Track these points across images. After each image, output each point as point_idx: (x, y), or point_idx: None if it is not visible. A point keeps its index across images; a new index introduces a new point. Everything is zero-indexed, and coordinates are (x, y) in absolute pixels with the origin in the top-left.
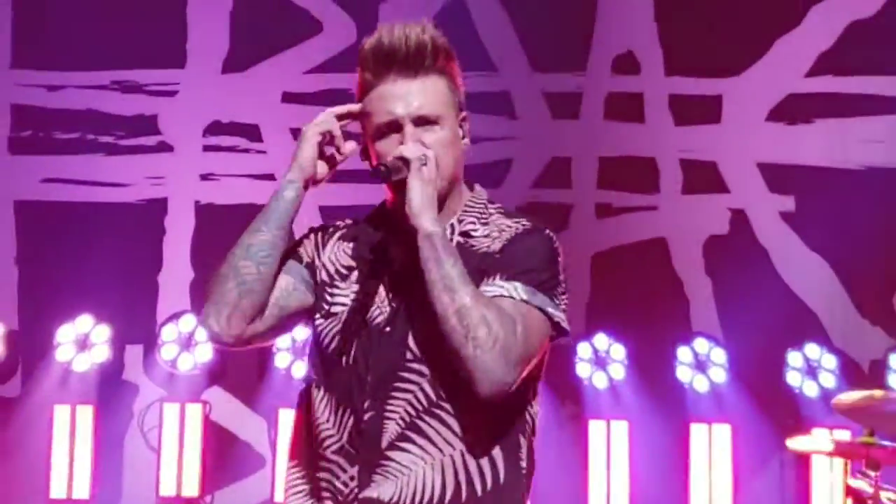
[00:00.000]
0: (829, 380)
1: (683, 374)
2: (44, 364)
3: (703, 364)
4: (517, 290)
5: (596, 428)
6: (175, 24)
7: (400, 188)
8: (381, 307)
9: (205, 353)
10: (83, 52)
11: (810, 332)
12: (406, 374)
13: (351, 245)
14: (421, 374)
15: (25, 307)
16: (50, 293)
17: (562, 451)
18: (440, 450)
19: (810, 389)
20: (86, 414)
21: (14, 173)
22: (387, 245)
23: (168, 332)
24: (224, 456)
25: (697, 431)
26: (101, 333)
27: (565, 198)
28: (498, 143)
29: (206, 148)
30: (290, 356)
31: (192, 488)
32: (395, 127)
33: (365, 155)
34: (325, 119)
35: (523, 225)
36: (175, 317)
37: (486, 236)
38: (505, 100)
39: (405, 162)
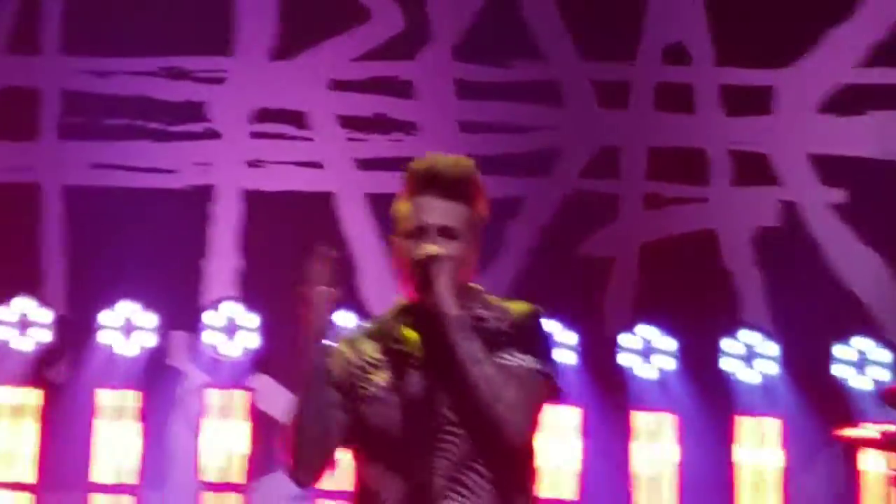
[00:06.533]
0: (881, 373)
1: (731, 365)
2: (88, 349)
3: (751, 356)
4: (529, 360)
5: (641, 419)
6: (223, 12)
7: (426, 287)
8: (416, 385)
9: (250, 339)
10: (132, 38)
11: (862, 325)
12: (444, 436)
13: (374, 341)
14: (455, 434)
15: (74, 293)
16: (97, 278)
17: (603, 441)
18: (479, 496)
19: (861, 383)
20: (131, 399)
21: (63, 158)
22: (408, 336)
23: (211, 318)
24: (269, 443)
25: (745, 424)
26: (146, 319)
27: (613, 188)
28: (545, 131)
29: (254, 135)
30: None
31: (236, 475)
32: (422, 231)
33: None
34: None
35: (524, 308)
36: (218, 302)
37: (496, 318)
38: (553, 88)
39: (433, 258)
